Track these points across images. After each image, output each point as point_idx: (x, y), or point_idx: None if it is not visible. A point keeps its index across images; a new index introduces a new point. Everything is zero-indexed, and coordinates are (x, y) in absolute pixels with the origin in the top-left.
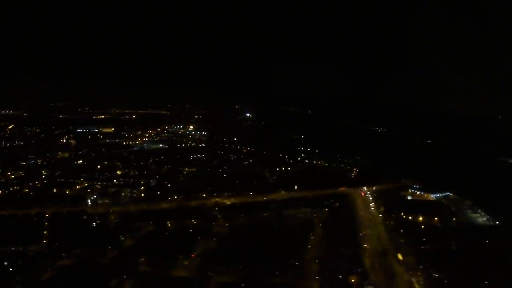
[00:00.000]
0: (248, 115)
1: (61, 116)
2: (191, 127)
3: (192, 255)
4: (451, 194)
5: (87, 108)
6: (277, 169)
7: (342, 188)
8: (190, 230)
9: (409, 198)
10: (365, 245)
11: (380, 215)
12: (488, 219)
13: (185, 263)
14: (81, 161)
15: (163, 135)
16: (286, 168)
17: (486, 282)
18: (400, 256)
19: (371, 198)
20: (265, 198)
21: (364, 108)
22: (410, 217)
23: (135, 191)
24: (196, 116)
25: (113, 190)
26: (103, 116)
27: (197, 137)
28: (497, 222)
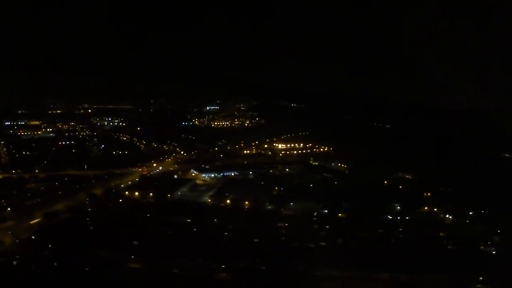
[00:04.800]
0: (208, 108)
1: (20, 111)
2: (118, 119)
3: None
4: (232, 174)
5: (52, 105)
6: (114, 153)
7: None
8: None
9: (175, 177)
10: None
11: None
12: (210, 199)
13: None
14: None
15: (78, 126)
16: (129, 152)
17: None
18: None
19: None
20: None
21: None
22: (127, 192)
23: None
24: (152, 110)
25: None
26: (59, 111)
27: (107, 128)
28: (222, 204)
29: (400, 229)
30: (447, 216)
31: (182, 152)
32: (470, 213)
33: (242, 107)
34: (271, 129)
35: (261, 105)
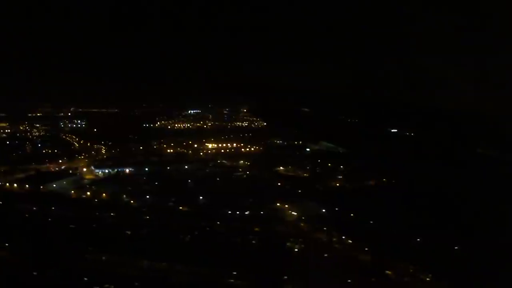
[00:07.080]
0: (190, 112)
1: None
2: (84, 122)
3: None
4: (127, 170)
5: (39, 107)
6: (44, 151)
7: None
8: None
9: (70, 172)
10: None
11: None
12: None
13: None
14: None
15: (39, 128)
16: (57, 151)
17: None
18: None
19: None
20: None
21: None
22: (7, 185)
23: None
24: (133, 115)
25: None
26: (40, 114)
27: (66, 130)
28: (83, 196)
29: (218, 223)
30: (293, 213)
31: (103, 151)
32: (323, 210)
33: (225, 111)
34: (224, 131)
35: (256, 106)
